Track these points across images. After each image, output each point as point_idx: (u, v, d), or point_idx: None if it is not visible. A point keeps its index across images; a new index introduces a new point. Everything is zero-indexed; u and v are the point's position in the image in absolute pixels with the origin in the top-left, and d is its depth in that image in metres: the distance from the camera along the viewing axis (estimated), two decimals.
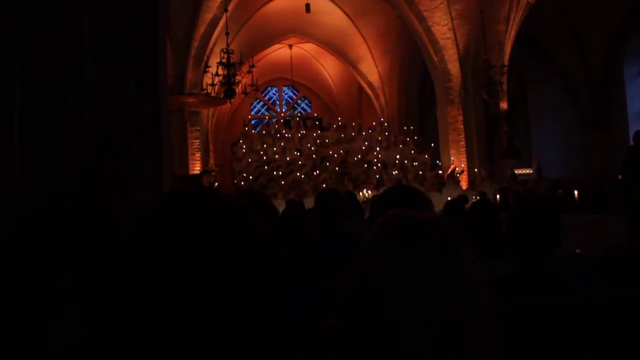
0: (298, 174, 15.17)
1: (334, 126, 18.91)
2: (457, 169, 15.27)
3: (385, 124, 19.12)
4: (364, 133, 18.26)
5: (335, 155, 16.17)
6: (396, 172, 15.21)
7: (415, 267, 0.98)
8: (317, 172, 15.20)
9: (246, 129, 19.24)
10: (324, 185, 13.91)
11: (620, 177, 10.86)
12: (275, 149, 17.00)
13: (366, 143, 17.22)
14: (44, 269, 2.06)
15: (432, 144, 17.39)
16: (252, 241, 1.04)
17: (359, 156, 16.28)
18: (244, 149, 17.24)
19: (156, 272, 0.97)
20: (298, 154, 16.45)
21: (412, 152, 16.85)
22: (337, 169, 15.37)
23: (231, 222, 1.03)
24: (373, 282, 1.00)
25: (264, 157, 16.43)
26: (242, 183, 14.87)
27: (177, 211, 1.03)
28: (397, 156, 16.21)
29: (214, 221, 1.02)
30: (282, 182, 14.51)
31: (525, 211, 2.40)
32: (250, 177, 15.32)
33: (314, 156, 16.23)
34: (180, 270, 0.97)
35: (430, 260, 0.99)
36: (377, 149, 16.74)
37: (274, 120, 21.17)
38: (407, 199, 2.35)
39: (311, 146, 16.92)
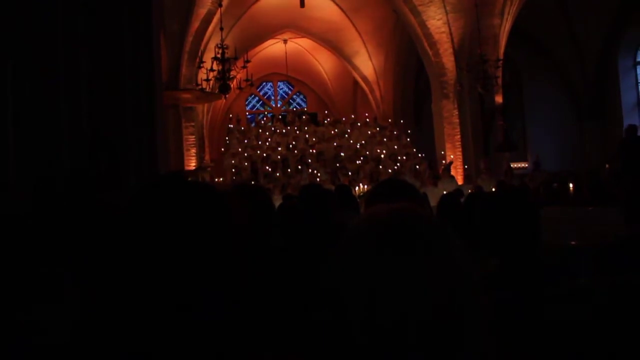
0: (293, 169, 15.15)
1: (327, 121, 18.88)
2: (444, 161, 15.33)
3: (378, 119, 19.11)
4: (356, 124, 18.26)
5: (329, 150, 16.16)
6: (396, 165, 15.23)
7: (400, 262, 0.97)
8: (312, 167, 15.18)
9: (230, 126, 19.12)
10: (318, 180, 13.93)
11: (607, 165, 11.09)
12: (270, 144, 16.96)
13: (360, 138, 17.21)
14: (42, 263, 2.05)
15: (408, 138, 17.48)
16: (226, 225, 1.06)
17: (352, 151, 16.27)
18: (236, 144, 17.18)
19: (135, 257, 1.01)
20: (293, 149, 16.43)
21: (396, 147, 16.86)
22: (332, 163, 15.37)
23: (204, 206, 1.06)
24: (357, 277, 0.99)
25: (259, 153, 16.39)
26: (235, 178, 14.85)
27: (154, 197, 1.07)
28: (385, 150, 16.24)
29: (187, 205, 1.05)
30: (277, 178, 14.49)
31: (497, 204, 2.40)
32: (246, 173, 15.29)
33: (307, 151, 16.21)
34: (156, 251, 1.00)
35: (416, 255, 0.98)
36: (367, 142, 16.74)
37: (269, 116, 21.12)
38: (398, 192, 2.35)
39: (306, 141, 16.90)
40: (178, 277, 0.98)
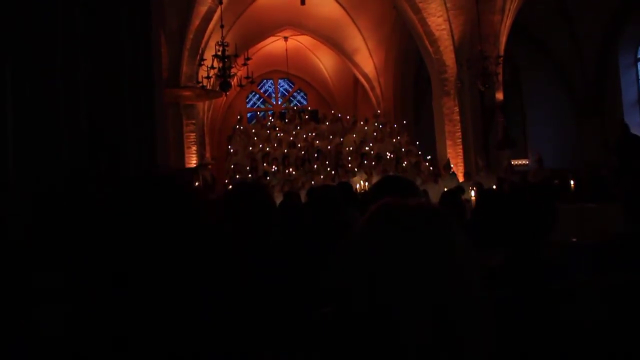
0: (293, 167, 15.15)
1: (329, 118, 18.86)
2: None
3: (378, 116, 19.08)
4: (357, 123, 18.21)
5: (330, 148, 16.14)
6: (398, 163, 15.24)
7: (407, 253, 0.97)
8: (313, 164, 15.19)
9: (238, 124, 19.11)
10: (321, 177, 13.94)
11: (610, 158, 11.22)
12: (271, 142, 16.95)
13: (361, 135, 17.19)
14: (42, 263, 2.05)
15: (418, 141, 17.42)
16: (191, 218, 1.06)
17: (354, 148, 16.25)
18: (239, 142, 17.17)
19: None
20: (293, 147, 16.41)
21: (401, 144, 16.84)
22: (332, 161, 15.36)
23: (169, 201, 1.08)
24: (365, 269, 0.99)
25: (260, 151, 16.38)
26: (238, 176, 14.85)
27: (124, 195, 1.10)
28: (392, 149, 16.22)
29: (152, 202, 1.07)
30: (278, 175, 14.50)
31: (517, 199, 2.40)
32: (247, 169, 15.30)
33: (309, 149, 16.19)
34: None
35: (422, 246, 0.98)
36: (371, 141, 16.72)
37: (270, 113, 21.09)
38: (400, 188, 2.35)
39: (306, 139, 16.88)
40: (177, 276, 0.98)
